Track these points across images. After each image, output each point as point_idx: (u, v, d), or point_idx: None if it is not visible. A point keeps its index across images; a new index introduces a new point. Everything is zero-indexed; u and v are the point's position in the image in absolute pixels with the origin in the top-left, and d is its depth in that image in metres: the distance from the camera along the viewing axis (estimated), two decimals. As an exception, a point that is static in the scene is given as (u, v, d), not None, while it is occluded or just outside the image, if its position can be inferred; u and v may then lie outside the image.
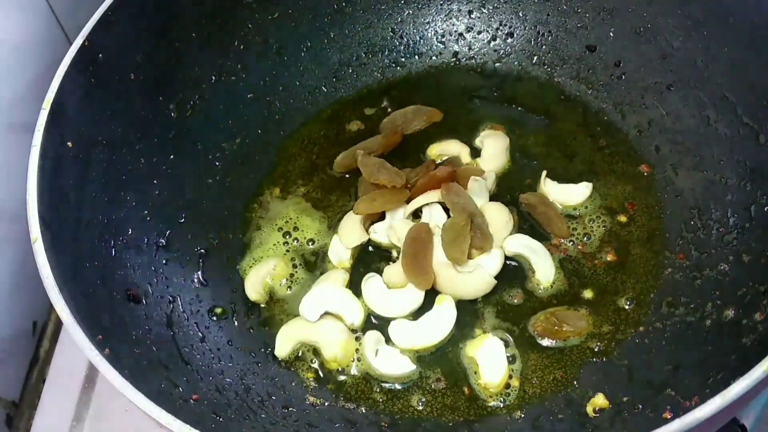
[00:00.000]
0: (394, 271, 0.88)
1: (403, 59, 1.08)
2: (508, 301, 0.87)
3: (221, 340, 0.85)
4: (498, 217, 0.90)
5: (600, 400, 0.77)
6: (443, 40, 1.09)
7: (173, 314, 0.84)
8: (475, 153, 0.99)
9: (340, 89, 1.07)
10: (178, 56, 0.94)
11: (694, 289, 0.83)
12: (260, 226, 0.95)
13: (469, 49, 1.08)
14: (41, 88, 0.79)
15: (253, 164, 1.00)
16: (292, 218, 0.96)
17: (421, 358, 0.84)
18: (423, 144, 1.00)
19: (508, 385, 0.81)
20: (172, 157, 0.93)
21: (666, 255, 0.88)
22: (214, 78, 0.98)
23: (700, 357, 0.76)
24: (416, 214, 0.93)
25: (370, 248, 0.93)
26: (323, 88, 1.06)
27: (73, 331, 0.66)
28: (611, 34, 1.00)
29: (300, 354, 0.85)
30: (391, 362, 0.83)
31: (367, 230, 0.92)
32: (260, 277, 0.90)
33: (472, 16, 1.08)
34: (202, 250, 0.92)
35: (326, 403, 0.82)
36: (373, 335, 0.84)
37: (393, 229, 0.91)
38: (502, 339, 0.83)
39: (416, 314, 0.87)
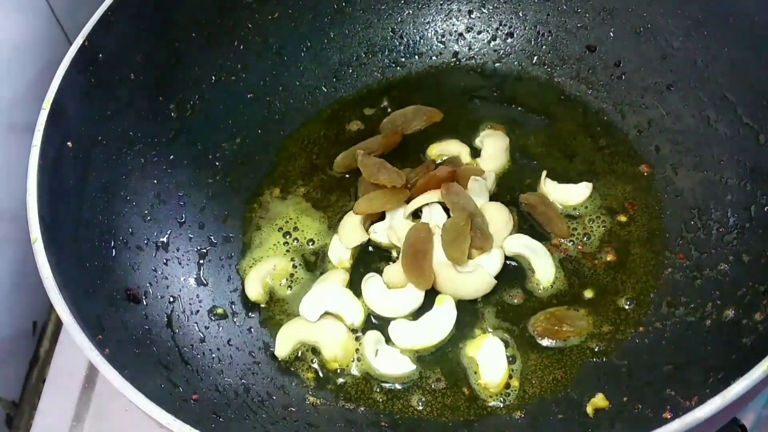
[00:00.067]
0: (394, 271, 0.88)
1: (403, 59, 1.08)
2: (508, 301, 0.87)
3: (221, 340, 0.85)
4: (498, 217, 0.90)
5: (600, 400, 0.77)
6: (443, 40, 1.08)
7: (173, 314, 0.84)
8: (475, 153, 0.99)
9: (340, 89, 1.06)
10: (178, 56, 0.94)
11: (694, 289, 0.83)
12: (260, 226, 0.95)
13: (469, 49, 1.08)
14: (41, 88, 0.79)
15: (253, 164, 1.00)
16: (292, 218, 0.96)
17: (421, 358, 0.84)
18: (423, 144, 1.00)
19: (508, 385, 0.81)
20: (172, 157, 0.93)
21: (666, 255, 0.87)
22: (214, 78, 0.98)
23: (700, 357, 0.75)
24: (416, 214, 0.93)
25: (370, 248, 0.93)
26: (323, 88, 1.06)
27: (73, 331, 0.66)
28: (611, 34, 1.00)
29: (300, 354, 0.85)
30: (391, 362, 0.83)
31: (367, 230, 0.92)
32: (260, 277, 0.90)
33: (472, 16, 1.08)
34: (202, 250, 0.92)
35: (326, 403, 0.82)
36: (373, 335, 0.84)
37: (393, 229, 0.91)
38: (502, 339, 0.83)
39: (416, 314, 0.87)
